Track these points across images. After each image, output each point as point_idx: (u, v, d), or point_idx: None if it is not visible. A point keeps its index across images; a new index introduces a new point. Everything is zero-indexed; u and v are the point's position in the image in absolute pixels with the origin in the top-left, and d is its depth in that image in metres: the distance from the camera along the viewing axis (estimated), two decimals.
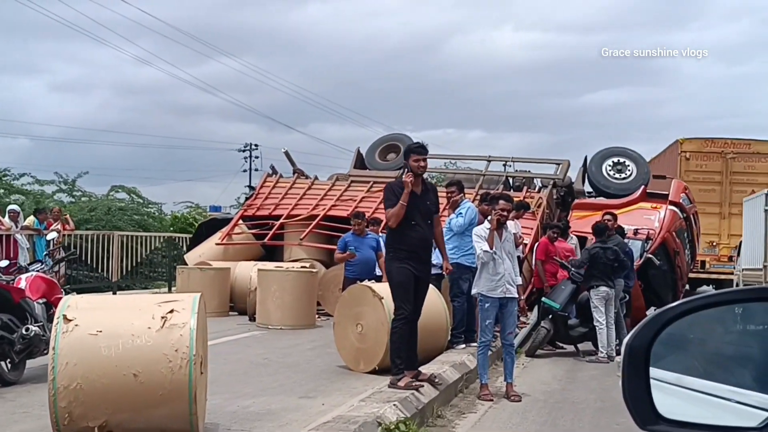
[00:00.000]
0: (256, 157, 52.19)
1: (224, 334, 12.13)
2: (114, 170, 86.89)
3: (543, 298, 11.65)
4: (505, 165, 18.05)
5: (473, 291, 8.68)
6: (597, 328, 11.16)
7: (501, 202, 8.57)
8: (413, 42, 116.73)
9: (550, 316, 11.54)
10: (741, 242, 19.87)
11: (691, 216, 16.83)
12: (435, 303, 9.59)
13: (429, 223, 7.88)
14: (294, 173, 19.42)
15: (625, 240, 13.42)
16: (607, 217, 12.23)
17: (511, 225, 13.31)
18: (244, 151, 53.01)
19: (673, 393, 2.10)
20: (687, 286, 17.18)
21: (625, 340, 2.07)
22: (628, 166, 16.92)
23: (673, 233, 15.89)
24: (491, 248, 8.07)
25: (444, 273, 9.02)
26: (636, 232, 15.44)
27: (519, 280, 8.60)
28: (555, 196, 17.47)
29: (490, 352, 8.81)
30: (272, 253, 17.55)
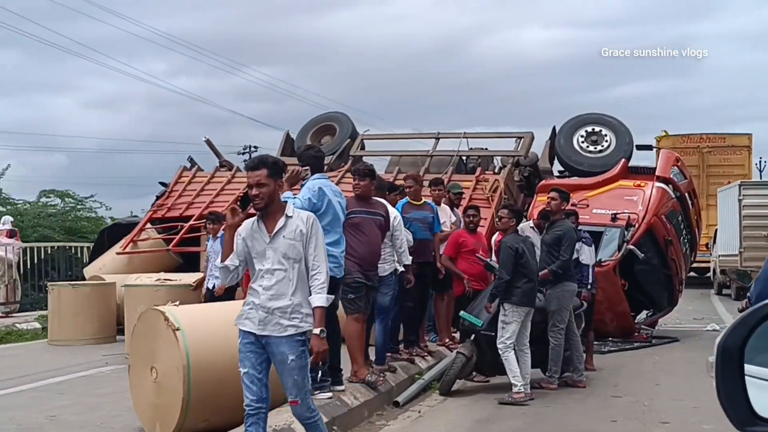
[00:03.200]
0: None
1: (65, 371, 9.49)
2: (147, 180, 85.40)
3: (461, 313, 8.40)
4: (462, 142, 14.80)
5: None
6: (502, 352, 7.90)
7: None
8: (439, 43, 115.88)
9: (472, 337, 8.31)
10: (716, 230, 21.45)
11: (686, 195, 13.47)
12: None
13: None
14: (220, 165, 16.30)
15: (581, 228, 10.23)
16: (552, 195, 8.97)
17: (446, 210, 10.29)
18: (243, 153, 50.10)
19: None
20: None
21: (717, 340, 2.00)
22: (605, 135, 13.62)
23: (663, 217, 12.57)
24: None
25: None
26: (614, 217, 12.17)
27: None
28: (518, 178, 14.21)
29: None
30: (191, 261, 14.46)
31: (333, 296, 4.93)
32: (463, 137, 14.49)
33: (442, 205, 10.37)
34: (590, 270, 9.70)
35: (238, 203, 4.96)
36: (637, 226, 12.12)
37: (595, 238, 11.76)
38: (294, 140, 15.98)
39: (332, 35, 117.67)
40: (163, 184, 16.33)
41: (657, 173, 12.75)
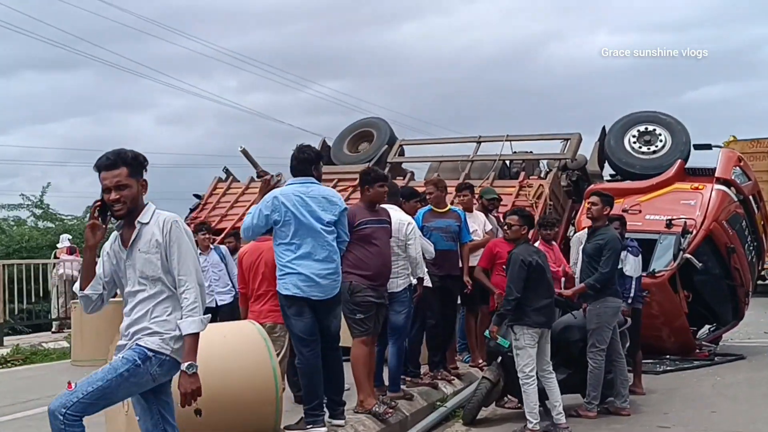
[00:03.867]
0: None
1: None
2: None
3: (486, 332, 7.53)
4: (506, 146, 13.87)
5: None
6: (522, 383, 6.98)
7: None
8: (507, 52, 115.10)
9: (499, 359, 7.44)
10: None
11: (751, 198, 12.30)
12: (256, 361, 5.77)
13: None
14: (258, 176, 15.67)
15: (629, 236, 9.29)
16: (593, 199, 8.02)
17: (479, 218, 9.45)
18: None
19: None
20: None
21: None
22: (659, 135, 12.51)
23: (724, 222, 11.45)
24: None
25: None
26: (669, 223, 11.13)
27: None
28: (565, 183, 13.21)
29: None
30: None
31: (208, 318, 3.96)
32: (506, 140, 13.55)
33: (475, 212, 9.53)
34: (633, 282, 8.72)
35: (97, 214, 4.00)
36: (694, 232, 11.05)
37: (649, 247, 10.78)
38: (330, 147, 15.25)
39: (399, 47, 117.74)
40: (197, 196, 15.75)
41: (717, 175, 11.62)
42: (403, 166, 14.67)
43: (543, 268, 7.07)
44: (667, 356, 11.24)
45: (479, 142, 13.90)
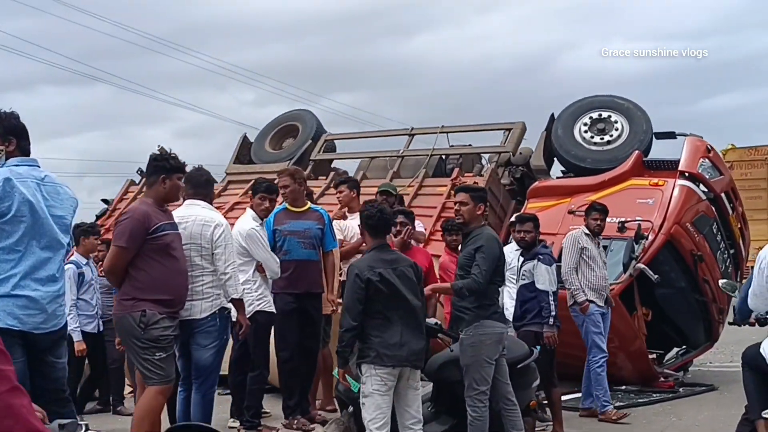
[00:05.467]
0: None
1: None
2: None
3: (334, 371, 5.60)
4: (443, 139, 11.95)
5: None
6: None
7: None
8: (522, 62, 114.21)
9: (350, 409, 5.53)
10: None
11: (723, 196, 10.30)
12: None
13: None
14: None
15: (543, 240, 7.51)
16: (460, 197, 6.07)
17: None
18: None
19: None
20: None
21: None
22: (615, 123, 10.52)
23: (689, 225, 9.48)
24: None
25: None
26: (622, 226, 9.18)
27: None
28: (508, 180, 11.28)
29: None
30: None
31: None
32: (440, 132, 11.60)
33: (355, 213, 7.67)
34: (550, 298, 6.82)
35: None
36: (651, 237, 9.09)
37: None
38: (252, 144, 13.38)
39: (414, 59, 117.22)
40: (105, 201, 13.92)
41: (680, 168, 9.66)
42: (334, 164, 12.79)
43: (393, 283, 5.09)
44: (623, 387, 9.28)
45: (411, 135, 12.00)
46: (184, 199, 5.66)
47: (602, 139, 10.47)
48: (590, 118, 10.63)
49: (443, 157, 11.70)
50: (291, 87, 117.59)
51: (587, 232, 8.07)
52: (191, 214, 5.43)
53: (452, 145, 11.80)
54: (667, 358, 10.52)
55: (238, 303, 5.46)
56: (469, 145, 11.87)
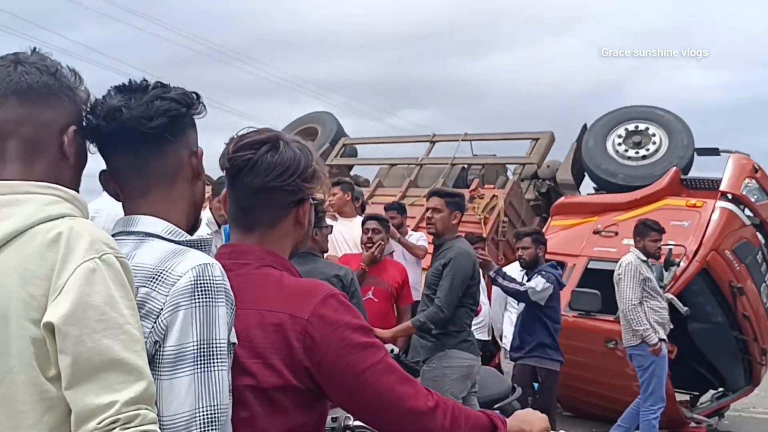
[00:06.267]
0: None
1: None
2: None
3: None
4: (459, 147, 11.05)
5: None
6: None
7: None
8: (595, 86, 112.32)
9: None
10: None
11: None
12: None
13: None
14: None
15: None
16: (434, 203, 5.20)
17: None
18: None
19: None
20: None
21: None
22: (653, 136, 9.50)
23: (728, 253, 8.41)
24: None
25: None
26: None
27: None
28: (534, 194, 10.34)
29: None
30: None
31: None
32: (462, 140, 10.70)
33: (358, 218, 6.92)
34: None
35: None
36: (683, 264, 8.06)
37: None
38: None
39: (485, 78, 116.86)
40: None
41: (722, 188, 8.60)
42: (355, 170, 12.01)
43: None
44: None
45: (433, 142, 11.12)
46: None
47: (637, 153, 9.46)
48: (626, 129, 9.63)
49: (465, 167, 10.79)
50: (359, 103, 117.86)
51: (643, 258, 7.10)
52: (104, 208, 4.65)
53: (475, 155, 10.90)
54: (701, 401, 9.43)
55: None
56: (494, 155, 10.94)
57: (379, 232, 5.96)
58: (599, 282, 7.99)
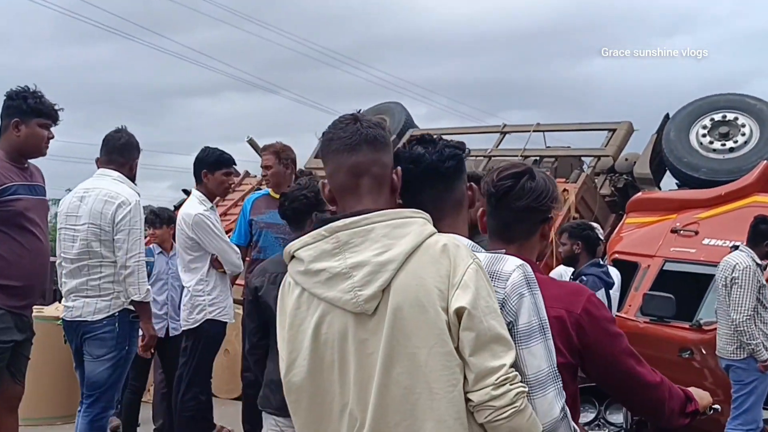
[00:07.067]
0: None
1: None
2: None
3: None
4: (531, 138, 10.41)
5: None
6: None
7: None
8: (708, 88, 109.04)
9: None
10: None
11: None
12: None
13: None
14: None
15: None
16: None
17: None
18: None
19: None
20: None
21: None
22: (743, 127, 8.64)
23: None
24: None
25: None
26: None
27: None
28: (609, 190, 9.61)
29: None
30: None
31: None
32: (534, 131, 10.04)
33: None
34: None
35: None
36: None
37: (703, 284, 7.19)
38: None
39: (590, 80, 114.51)
40: (186, 192, 13.26)
41: None
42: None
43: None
44: None
45: (504, 133, 10.51)
46: (98, 167, 4.57)
47: (723, 145, 8.61)
48: (711, 120, 8.79)
49: (537, 159, 10.14)
50: (462, 105, 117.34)
51: (759, 261, 6.34)
52: (96, 187, 4.32)
53: (548, 146, 10.23)
54: None
55: (142, 307, 4.27)
56: (568, 146, 10.24)
57: None
58: (675, 285, 7.27)
